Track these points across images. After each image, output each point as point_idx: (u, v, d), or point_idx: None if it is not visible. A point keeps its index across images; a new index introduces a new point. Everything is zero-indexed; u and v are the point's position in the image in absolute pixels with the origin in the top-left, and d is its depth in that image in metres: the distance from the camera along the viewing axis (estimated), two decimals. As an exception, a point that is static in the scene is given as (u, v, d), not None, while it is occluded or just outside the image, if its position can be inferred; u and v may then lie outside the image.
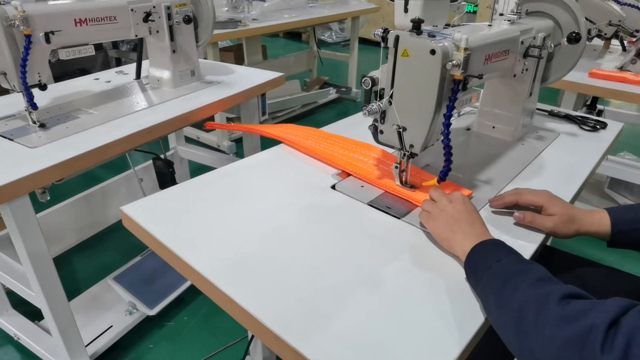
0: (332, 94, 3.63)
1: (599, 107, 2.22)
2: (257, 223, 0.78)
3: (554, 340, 0.48)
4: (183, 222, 0.79)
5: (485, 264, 0.62)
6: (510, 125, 1.15)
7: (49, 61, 1.65)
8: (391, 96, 0.78)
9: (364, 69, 3.77)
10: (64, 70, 3.36)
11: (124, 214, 0.82)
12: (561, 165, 1.03)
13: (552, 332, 0.48)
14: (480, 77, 0.77)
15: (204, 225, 0.78)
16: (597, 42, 2.20)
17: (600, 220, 0.76)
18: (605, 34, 1.87)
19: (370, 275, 0.66)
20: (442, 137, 0.76)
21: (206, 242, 0.74)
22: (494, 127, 1.18)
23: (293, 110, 3.29)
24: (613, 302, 0.48)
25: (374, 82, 0.80)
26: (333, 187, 0.90)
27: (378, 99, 0.80)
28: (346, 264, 0.69)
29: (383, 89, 0.80)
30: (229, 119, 2.86)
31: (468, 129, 1.22)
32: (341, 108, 3.67)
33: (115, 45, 3.84)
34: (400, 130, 0.79)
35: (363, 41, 3.88)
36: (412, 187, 0.87)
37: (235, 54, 3.44)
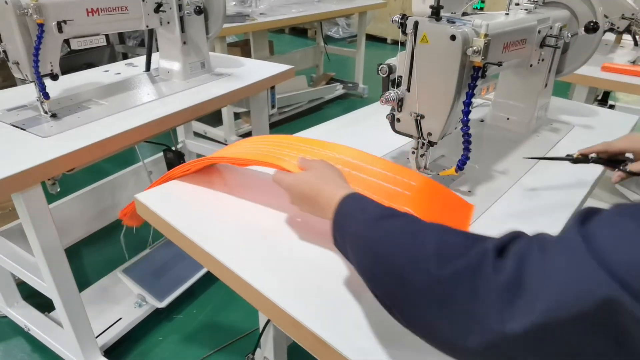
0: (338, 89, 3.62)
1: (610, 102, 2.21)
2: (273, 210, 0.77)
3: (443, 278, 0.42)
4: (198, 210, 0.78)
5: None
6: (524, 117, 1.14)
7: None
8: (409, 83, 0.77)
9: (371, 65, 3.75)
10: (71, 65, 3.36)
11: (138, 202, 0.82)
12: (577, 157, 1.01)
13: (437, 271, 0.42)
14: (499, 64, 0.76)
15: (220, 213, 0.77)
16: (609, 36, 2.18)
17: None
18: (618, 27, 1.84)
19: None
20: (461, 125, 0.75)
21: (222, 229, 0.73)
22: (508, 119, 1.17)
23: (300, 105, 3.28)
24: (491, 238, 0.43)
25: (391, 69, 0.79)
26: (348, 176, 0.89)
27: (395, 86, 0.79)
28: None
29: (400, 77, 0.79)
30: (236, 114, 2.86)
31: (482, 121, 1.20)
32: (348, 104, 3.66)
33: (122, 40, 3.84)
34: (418, 118, 0.78)
35: (369, 38, 3.87)
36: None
37: (242, 49, 3.43)
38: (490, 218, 0.77)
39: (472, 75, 0.74)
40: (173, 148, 1.51)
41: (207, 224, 0.74)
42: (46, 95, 1.12)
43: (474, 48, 0.70)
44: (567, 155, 0.95)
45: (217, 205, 0.80)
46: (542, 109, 1.19)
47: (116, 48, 3.81)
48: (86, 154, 1.03)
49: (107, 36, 3.78)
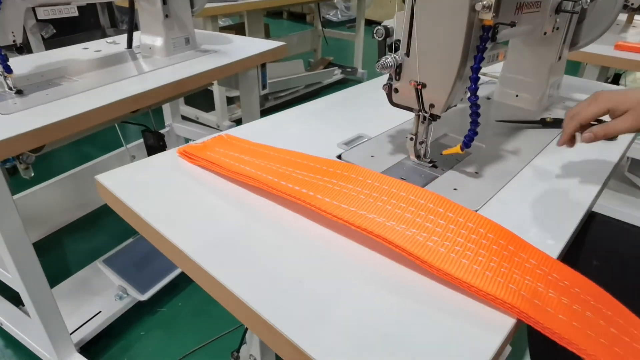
0: (337, 74, 3.51)
1: (621, 84, 2.10)
2: (249, 196, 0.67)
3: None
4: (166, 194, 0.68)
5: None
6: (535, 93, 1.04)
7: (42, 37, 1.54)
8: (408, 47, 0.67)
9: (371, 50, 3.64)
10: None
11: (99, 185, 0.72)
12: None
13: None
14: (512, 24, 0.66)
15: (190, 198, 0.67)
16: (621, 16, 2.08)
17: None
18: (632, 3, 1.73)
19: (380, 258, 0.56)
20: (469, 94, 0.65)
21: (192, 216, 0.63)
22: (517, 96, 1.06)
23: (296, 90, 3.17)
24: None
25: (388, 32, 0.69)
26: (339, 156, 0.79)
27: (393, 51, 0.69)
28: (352, 244, 0.58)
29: (399, 41, 0.69)
30: (229, 98, 2.76)
31: (488, 98, 1.10)
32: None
33: (113, 23, 3.72)
34: (419, 87, 0.67)
35: (370, 23, 3.75)
36: (432, 163, 0.76)
37: (236, 32, 3.30)
38: (501, 202, 0.67)
39: (482, 36, 0.64)
40: (152, 129, 1.40)
41: (173, 211, 0.64)
42: (8, 69, 1.02)
43: (484, 2, 0.60)
44: (541, 119, 0.94)
45: (187, 190, 0.70)
46: (554, 86, 1.08)
47: (107, 32, 3.69)
48: (50, 132, 0.93)
49: (97, 19, 3.68)
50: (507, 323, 0.45)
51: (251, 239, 0.58)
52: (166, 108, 1.92)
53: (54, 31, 3.04)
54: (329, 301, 0.48)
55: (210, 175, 0.73)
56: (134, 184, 0.71)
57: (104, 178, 0.72)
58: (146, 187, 0.70)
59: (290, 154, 0.73)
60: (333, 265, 0.54)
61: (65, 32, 3.06)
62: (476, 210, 0.64)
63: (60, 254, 1.66)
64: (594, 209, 0.72)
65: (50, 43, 1.16)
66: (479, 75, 0.65)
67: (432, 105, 0.68)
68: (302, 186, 0.63)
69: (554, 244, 0.58)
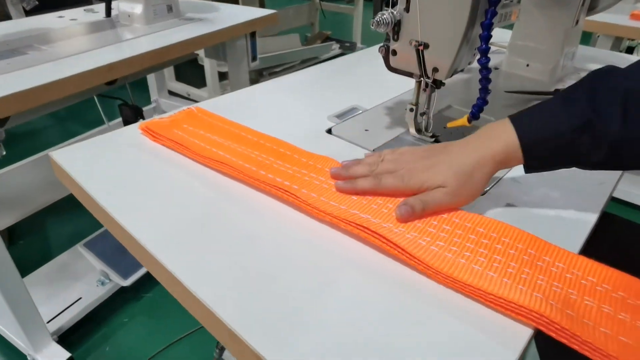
0: (334, 49, 3.38)
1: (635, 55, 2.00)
2: (218, 176, 0.58)
3: None
4: (125, 175, 0.59)
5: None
6: (548, 62, 0.94)
7: (24, 8, 1.43)
8: (408, 1, 0.57)
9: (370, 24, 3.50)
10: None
11: (54, 162, 0.63)
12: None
13: None
14: (531, -26, 0.56)
15: (152, 178, 0.58)
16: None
17: (505, 147, 0.48)
18: (650, -31, 1.62)
19: (373, 254, 0.47)
20: (478, 56, 0.55)
21: (152, 199, 0.54)
22: (527, 65, 0.97)
23: (292, 65, 3.05)
24: None
25: (385, -16, 0.59)
26: (329, 131, 0.70)
27: (390, 6, 0.59)
28: (339, 235, 0.49)
29: (397, -6, 0.59)
30: (222, 74, 2.65)
31: (496, 69, 1.00)
32: (344, 65, 3.43)
33: (102, -4, 3.58)
34: (420, 47, 0.58)
35: (368, -4, 3.61)
36: (435, 137, 0.67)
37: (230, 5, 3.17)
38: (513, 182, 0.58)
39: (495, -13, 0.54)
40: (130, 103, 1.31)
41: (131, 194, 0.56)
42: (-37, 34, 0.92)
43: (500, -56, 0.50)
44: (555, 90, 0.86)
45: (154, 174, 0.61)
46: (569, 56, 0.98)
47: (94, 1, 3.55)
48: (8, 103, 0.84)
49: (85, -9, 3.53)
50: (523, 334, 0.37)
51: (218, 226, 0.49)
52: (152, 83, 1.82)
53: (37, 3, 2.91)
54: (309, 303, 0.40)
55: (175, 153, 0.63)
56: (92, 162, 0.62)
57: (59, 155, 0.63)
58: (104, 166, 0.61)
59: (272, 141, 0.63)
60: (315, 258, 0.45)
61: (50, 4, 2.93)
62: (485, 192, 0.55)
63: (38, 237, 1.57)
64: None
65: (31, 14, 1.06)
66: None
67: (435, 70, 0.59)
68: (284, 178, 0.53)
69: (575, 233, 0.49)
